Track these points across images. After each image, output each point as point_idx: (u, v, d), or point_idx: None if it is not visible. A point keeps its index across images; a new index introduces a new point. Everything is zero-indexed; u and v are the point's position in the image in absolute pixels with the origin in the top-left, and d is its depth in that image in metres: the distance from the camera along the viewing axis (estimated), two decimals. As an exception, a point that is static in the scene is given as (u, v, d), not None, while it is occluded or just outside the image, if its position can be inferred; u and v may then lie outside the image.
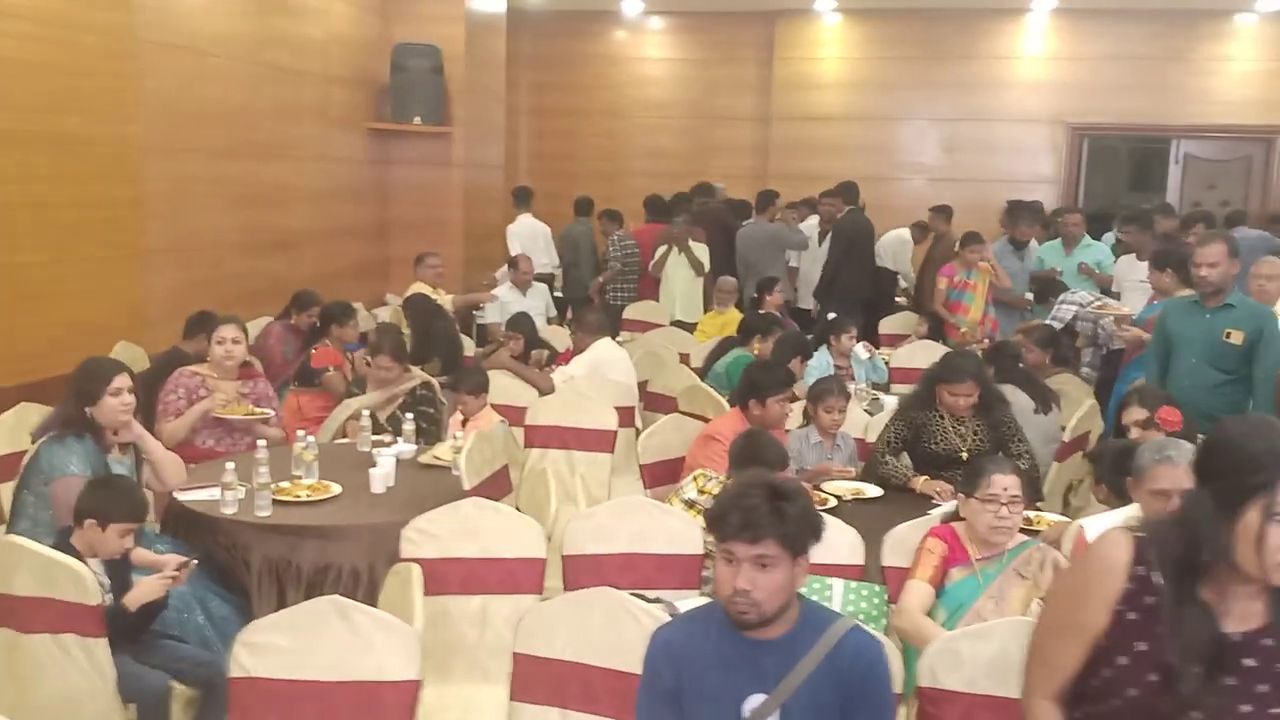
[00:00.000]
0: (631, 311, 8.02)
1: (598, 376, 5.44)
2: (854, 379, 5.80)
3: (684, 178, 10.04)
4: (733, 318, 6.86)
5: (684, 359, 6.24)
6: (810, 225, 8.74)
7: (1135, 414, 3.68)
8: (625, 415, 5.04)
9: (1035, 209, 8.80)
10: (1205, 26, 10.06)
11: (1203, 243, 4.58)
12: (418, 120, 8.29)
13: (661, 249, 8.02)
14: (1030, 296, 7.22)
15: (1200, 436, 3.83)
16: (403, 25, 8.48)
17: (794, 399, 4.32)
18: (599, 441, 4.70)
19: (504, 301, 7.42)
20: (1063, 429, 4.70)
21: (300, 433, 4.01)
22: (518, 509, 3.49)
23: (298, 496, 3.66)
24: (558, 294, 8.63)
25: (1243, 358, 4.40)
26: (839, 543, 3.18)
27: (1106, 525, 2.97)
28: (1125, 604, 1.74)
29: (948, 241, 8.07)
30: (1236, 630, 1.71)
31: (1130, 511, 3.00)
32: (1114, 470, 3.28)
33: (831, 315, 6.85)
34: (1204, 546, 1.68)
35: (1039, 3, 10.22)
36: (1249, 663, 1.70)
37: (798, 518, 2.02)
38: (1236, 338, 4.39)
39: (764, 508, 2.00)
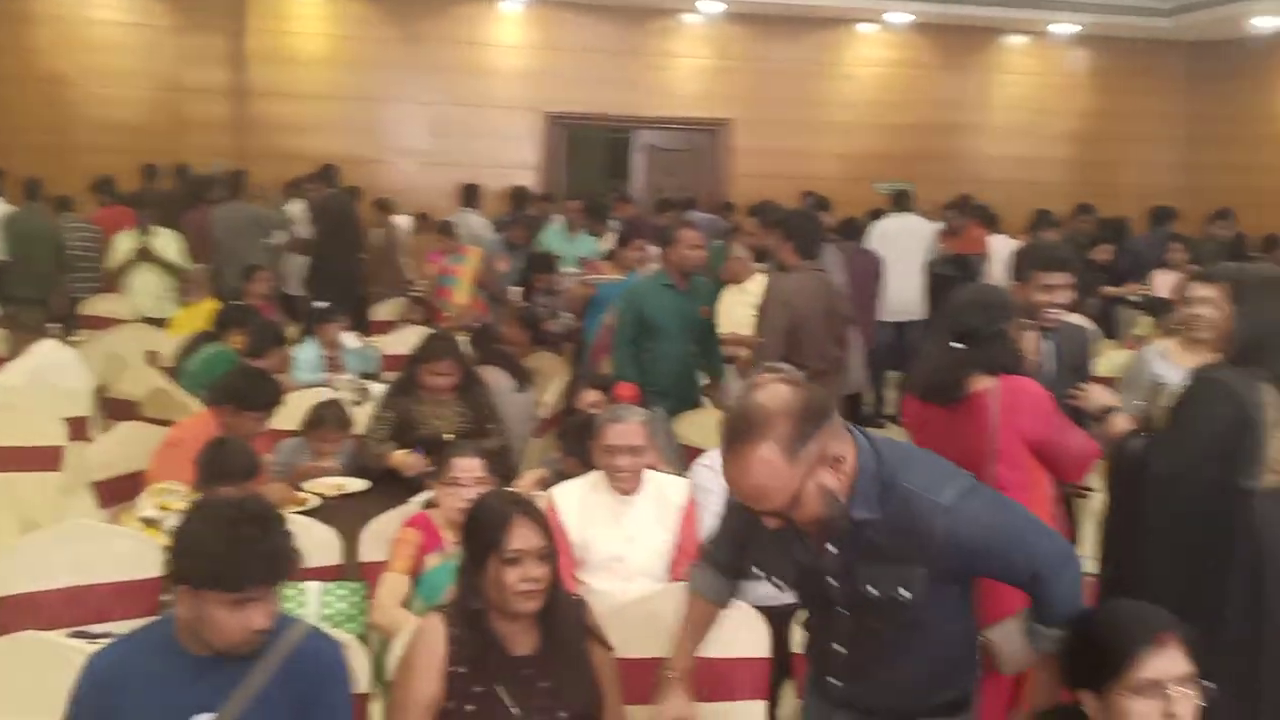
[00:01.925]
0: (90, 306, 7.17)
1: (41, 384, 4.78)
2: (344, 369, 5.67)
3: (150, 155, 9.15)
4: (207, 309, 6.37)
5: (154, 358, 5.68)
6: (301, 209, 8.39)
7: (589, 397, 3.96)
8: (77, 427, 4.48)
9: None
10: (657, 23, 11.03)
11: (680, 227, 5.02)
12: None
13: (123, 236, 7.25)
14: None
15: (653, 409, 4.27)
16: None
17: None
18: (42, 459, 4.13)
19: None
20: (538, 405, 4.94)
21: None
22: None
23: None
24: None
25: (707, 331, 4.91)
26: (314, 544, 3.06)
27: (573, 492, 3.18)
28: (452, 665, 2.21)
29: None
30: (521, 653, 2.24)
31: (595, 478, 3.20)
32: (578, 442, 3.49)
33: (319, 304, 6.63)
34: (467, 595, 2.23)
35: (509, -9, 10.60)
36: (525, 672, 2.23)
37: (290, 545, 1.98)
38: (707, 313, 4.91)
39: (280, 544, 1.94)
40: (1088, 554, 3.74)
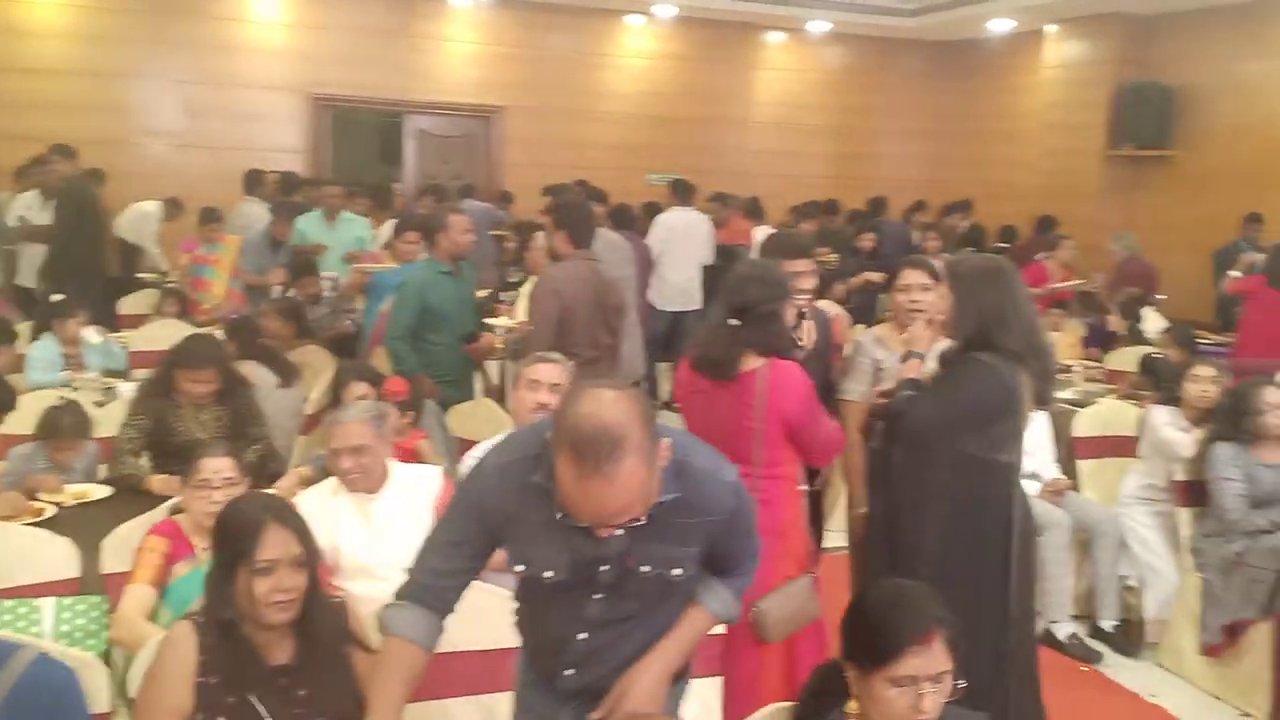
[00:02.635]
0: None
1: None
2: (86, 367, 5.27)
3: None
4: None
5: None
6: (30, 197, 7.69)
7: (357, 390, 3.86)
8: None
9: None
10: (425, 6, 10.80)
11: (450, 213, 4.98)
12: None
13: None
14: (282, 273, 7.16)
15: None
16: None
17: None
18: None
19: None
20: (306, 401, 4.76)
21: None
22: None
23: None
24: None
25: (478, 318, 4.99)
26: (47, 558, 2.85)
27: (316, 497, 3.09)
28: (203, 675, 2.12)
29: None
30: (278, 662, 2.17)
31: (336, 481, 3.13)
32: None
33: (56, 297, 6.11)
34: (218, 604, 2.14)
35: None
36: (282, 681, 2.17)
37: None
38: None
39: None
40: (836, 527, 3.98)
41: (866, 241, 8.93)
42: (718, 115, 11.99)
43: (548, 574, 1.93)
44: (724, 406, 3.01)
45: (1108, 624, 4.51)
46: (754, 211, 9.16)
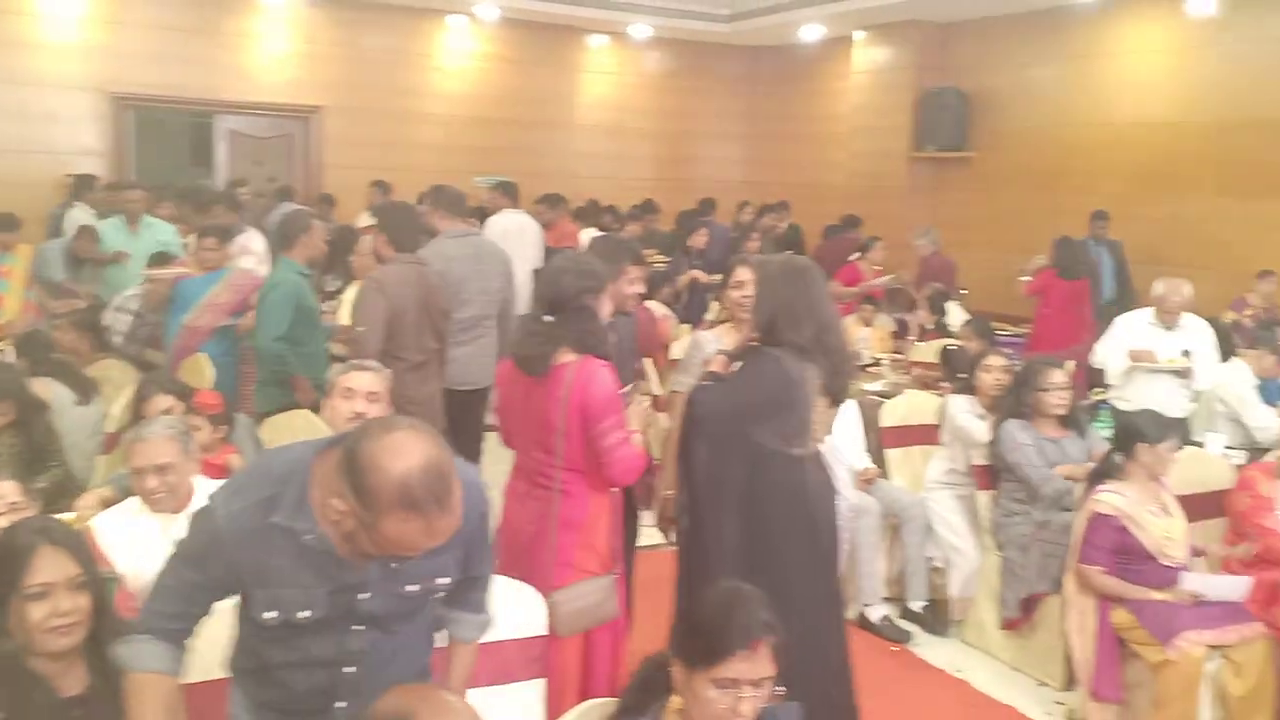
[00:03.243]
0: None
1: None
2: None
3: None
4: None
5: None
6: None
7: (160, 404, 3.68)
8: None
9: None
10: (235, 3, 10.38)
11: (311, 218, 5.08)
12: None
13: None
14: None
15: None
16: None
17: None
18: None
19: None
20: (106, 418, 4.51)
21: None
22: None
23: None
24: None
25: None
26: None
27: (116, 519, 2.94)
28: None
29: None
30: (71, 693, 2.08)
31: (138, 501, 2.99)
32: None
33: None
34: None
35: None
36: (75, 713, 2.08)
37: None
38: None
39: None
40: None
41: (700, 239, 9.11)
42: (543, 118, 12.00)
43: (303, 614, 1.86)
44: (536, 400, 3.01)
45: (917, 604, 4.76)
46: (589, 215, 9.22)
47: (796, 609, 3.02)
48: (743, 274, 3.74)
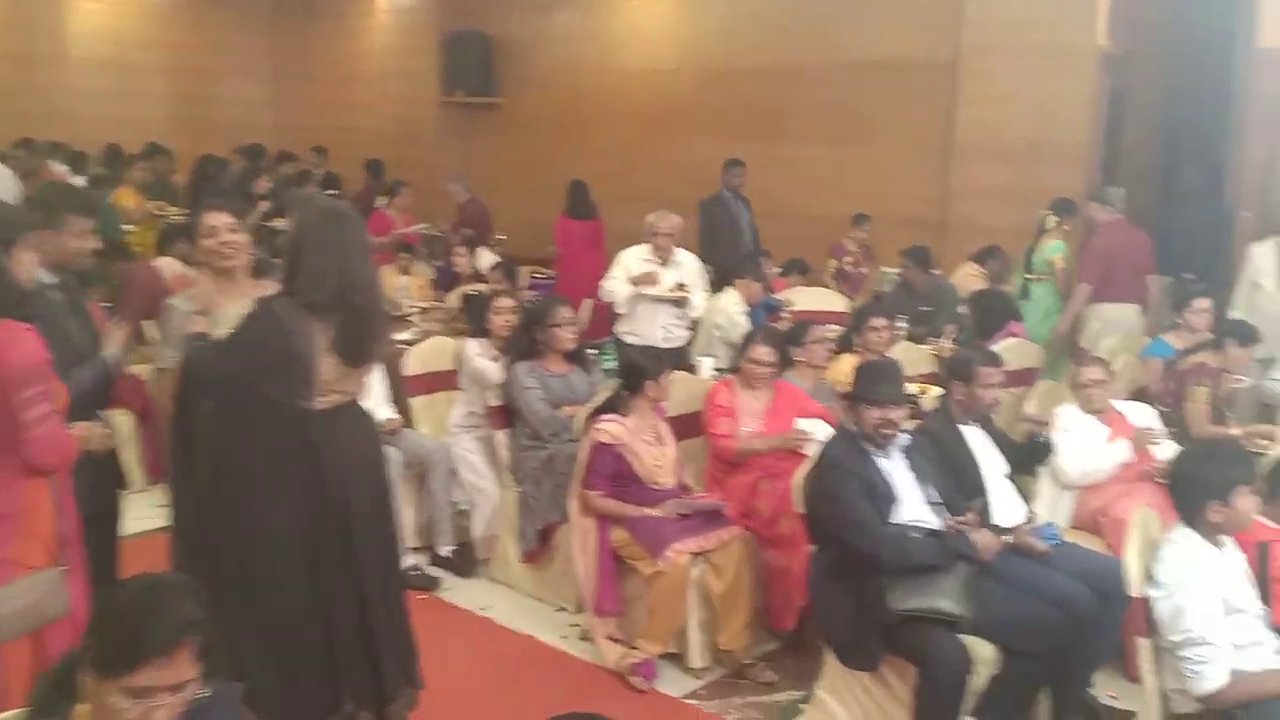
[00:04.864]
0: None
1: None
2: None
3: None
4: None
5: None
6: None
7: None
8: None
9: None
10: None
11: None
12: None
13: None
14: None
15: None
16: None
17: None
18: None
19: None
20: None
21: None
22: None
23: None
24: None
25: None
26: None
27: None
28: None
29: None
30: None
31: None
32: None
33: None
34: None
35: None
36: None
37: None
38: None
39: None
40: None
41: (263, 185, 8.43)
42: (24, 52, 10.46)
43: None
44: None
45: (445, 550, 4.78)
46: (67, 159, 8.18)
47: (295, 568, 2.87)
48: (216, 219, 3.45)
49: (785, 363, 4.60)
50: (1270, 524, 3.09)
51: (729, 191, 7.76)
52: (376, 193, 8.91)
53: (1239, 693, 2.69)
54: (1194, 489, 2.86)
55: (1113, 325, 6.26)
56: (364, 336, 3.01)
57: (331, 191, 8.97)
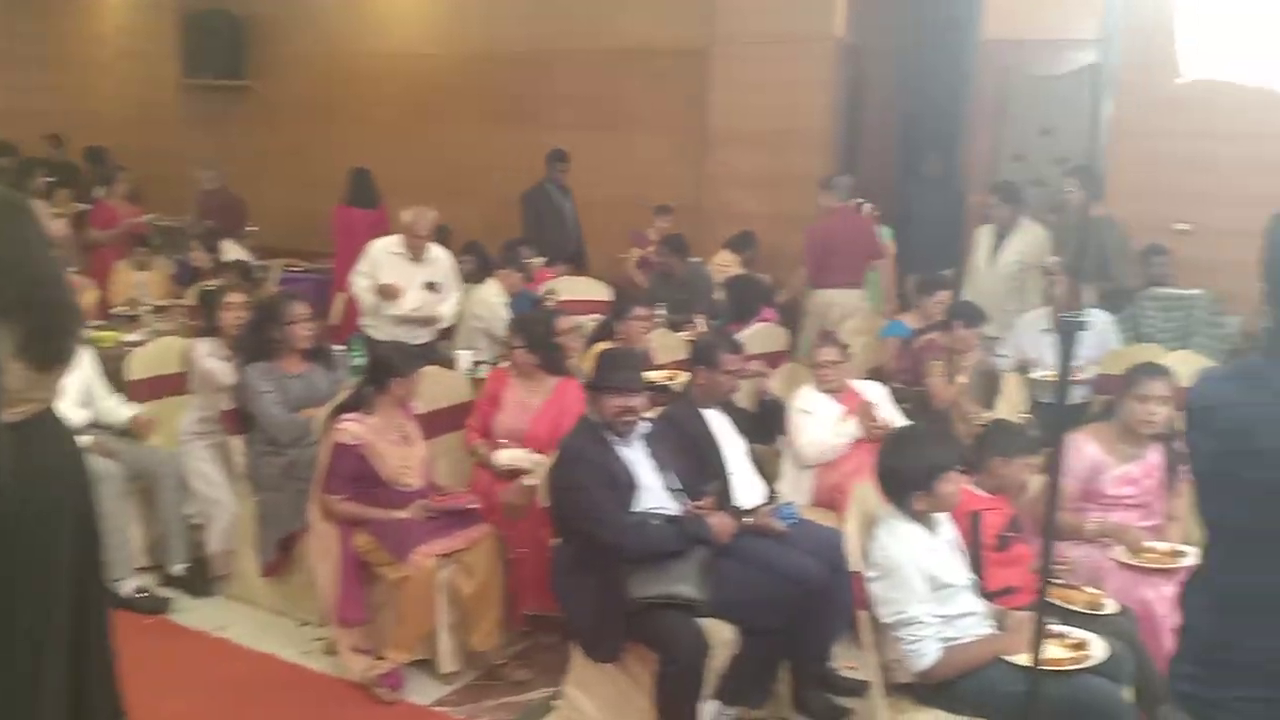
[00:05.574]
0: None
1: None
2: None
3: None
4: None
5: None
6: None
7: None
8: None
9: None
10: None
11: None
12: None
13: None
14: None
15: None
16: None
17: None
18: None
19: None
20: None
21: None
22: None
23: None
24: None
25: None
26: None
27: None
28: None
29: None
30: None
31: None
32: None
33: None
34: None
35: None
36: None
37: None
38: None
39: None
40: None
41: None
42: None
43: None
44: None
45: (178, 568, 4.43)
46: None
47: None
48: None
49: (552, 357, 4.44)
50: (981, 493, 3.26)
51: (551, 183, 7.74)
52: (95, 181, 8.23)
53: (951, 666, 2.80)
54: (896, 481, 2.97)
55: (833, 308, 6.37)
56: (55, 335, 2.72)
57: (49, 180, 8.27)
